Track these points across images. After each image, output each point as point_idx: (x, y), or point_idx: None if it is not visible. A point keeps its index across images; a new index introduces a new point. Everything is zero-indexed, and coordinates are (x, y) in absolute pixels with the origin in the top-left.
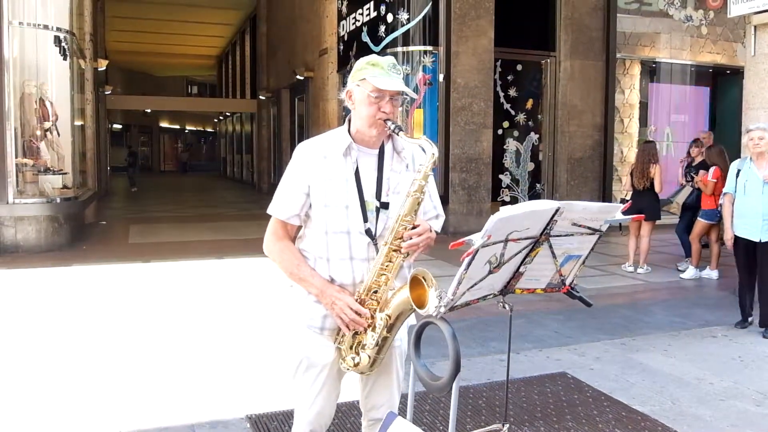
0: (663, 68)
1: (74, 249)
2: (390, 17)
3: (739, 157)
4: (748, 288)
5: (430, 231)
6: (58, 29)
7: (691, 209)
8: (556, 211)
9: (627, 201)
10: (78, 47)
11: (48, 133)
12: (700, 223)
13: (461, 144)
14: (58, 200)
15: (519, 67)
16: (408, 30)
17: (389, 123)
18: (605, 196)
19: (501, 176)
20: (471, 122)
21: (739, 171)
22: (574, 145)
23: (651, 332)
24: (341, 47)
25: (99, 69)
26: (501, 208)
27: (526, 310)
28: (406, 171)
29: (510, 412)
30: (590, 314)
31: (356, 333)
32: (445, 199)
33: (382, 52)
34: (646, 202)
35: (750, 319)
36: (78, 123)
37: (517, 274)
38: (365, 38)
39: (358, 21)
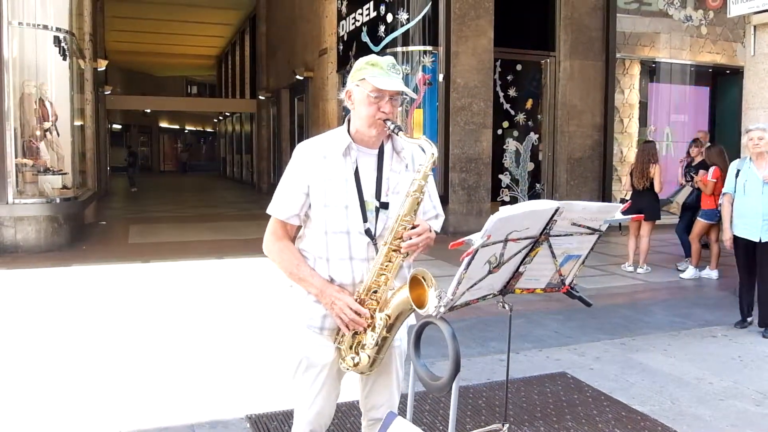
0: (663, 68)
1: (74, 249)
2: (389, 17)
3: (739, 157)
4: (748, 288)
5: (430, 231)
6: (58, 29)
7: (690, 209)
8: (556, 211)
9: (627, 201)
10: (78, 47)
11: (48, 133)
12: (700, 222)
13: (461, 144)
14: (58, 200)
15: (519, 67)
16: (408, 30)
17: (389, 123)
18: (605, 196)
19: (501, 176)
20: (471, 122)
21: (738, 171)
22: (574, 145)
23: (651, 332)
24: (341, 47)
25: (99, 69)
26: (500, 208)
27: (525, 310)
28: (405, 171)
29: (510, 412)
30: (590, 314)
31: (356, 333)
32: (444, 199)
33: (382, 52)
34: (645, 202)
35: (750, 318)
36: (78, 123)
37: (516, 274)
38: (365, 38)
39: (358, 21)
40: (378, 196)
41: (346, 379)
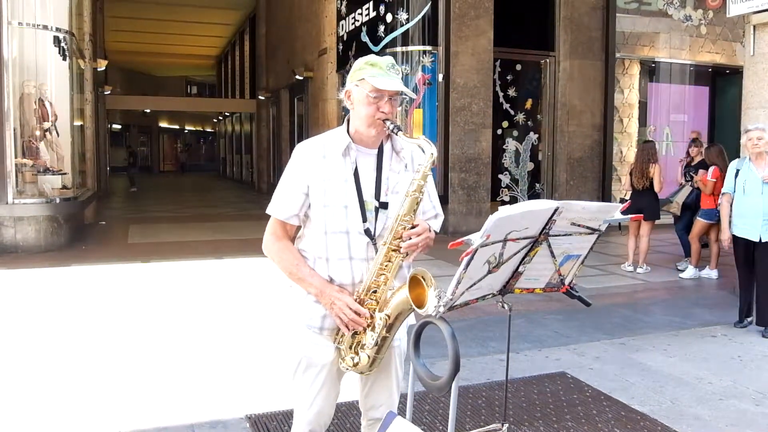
0: (662, 68)
1: (73, 249)
2: (389, 17)
3: (739, 156)
4: (748, 287)
5: (429, 231)
6: (58, 29)
7: (690, 209)
8: (555, 210)
9: (626, 200)
10: (77, 47)
11: (47, 133)
12: (700, 222)
13: (460, 144)
14: (58, 200)
15: (518, 67)
16: (407, 30)
17: (388, 123)
18: (604, 195)
19: (500, 176)
20: (470, 122)
21: (738, 171)
22: (574, 144)
23: (650, 332)
24: (340, 47)
25: (98, 69)
26: (500, 208)
27: (525, 310)
28: (405, 171)
29: (509, 411)
30: (590, 314)
31: (355, 333)
32: (444, 199)
33: (382, 52)
34: (645, 202)
35: (750, 318)
36: (77, 123)
37: (516, 274)
38: (364, 38)
39: (358, 21)
40: (377, 196)
41: (345, 379)
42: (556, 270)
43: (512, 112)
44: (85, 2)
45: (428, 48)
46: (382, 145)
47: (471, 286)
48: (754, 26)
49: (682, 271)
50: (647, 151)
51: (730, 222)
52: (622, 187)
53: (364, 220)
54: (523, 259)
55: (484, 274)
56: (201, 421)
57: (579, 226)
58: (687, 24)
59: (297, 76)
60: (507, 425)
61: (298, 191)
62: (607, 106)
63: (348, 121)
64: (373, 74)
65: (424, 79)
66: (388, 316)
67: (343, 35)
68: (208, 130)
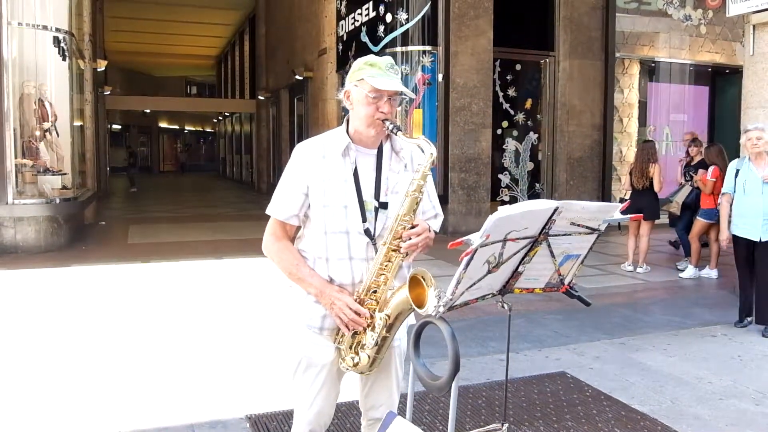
0: (662, 67)
1: (73, 249)
2: (389, 17)
3: (739, 156)
4: (748, 287)
5: (429, 230)
6: (58, 30)
7: (690, 208)
8: (555, 210)
9: (626, 200)
10: (77, 48)
11: (47, 133)
12: (699, 222)
13: (460, 144)
14: (58, 201)
15: (518, 67)
16: (407, 30)
17: (387, 123)
18: (604, 195)
19: (500, 176)
20: (470, 122)
21: (738, 171)
22: (574, 144)
23: (650, 332)
24: (340, 47)
25: (98, 69)
26: (500, 208)
27: (525, 310)
28: (404, 171)
29: (509, 411)
30: (590, 314)
31: (355, 333)
32: (444, 199)
33: (381, 52)
34: (645, 202)
35: (750, 318)
36: (77, 123)
37: (515, 274)
38: (364, 38)
39: (357, 21)
40: (377, 196)
41: (345, 379)
42: (556, 270)
43: (512, 112)
44: (85, 2)
45: (428, 48)
46: (382, 145)
47: (471, 286)
48: (754, 26)
49: (682, 270)
50: (647, 150)
51: (729, 222)
52: (622, 186)
53: (364, 220)
54: (523, 259)
55: (483, 274)
56: (201, 421)
57: (579, 225)
58: (687, 24)
59: (297, 76)
60: (507, 425)
61: (298, 191)
62: (607, 105)
63: (347, 121)
64: (373, 74)
65: (424, 79)
66: (388, 316)
67: (342, 35)
68: (208, 130)
